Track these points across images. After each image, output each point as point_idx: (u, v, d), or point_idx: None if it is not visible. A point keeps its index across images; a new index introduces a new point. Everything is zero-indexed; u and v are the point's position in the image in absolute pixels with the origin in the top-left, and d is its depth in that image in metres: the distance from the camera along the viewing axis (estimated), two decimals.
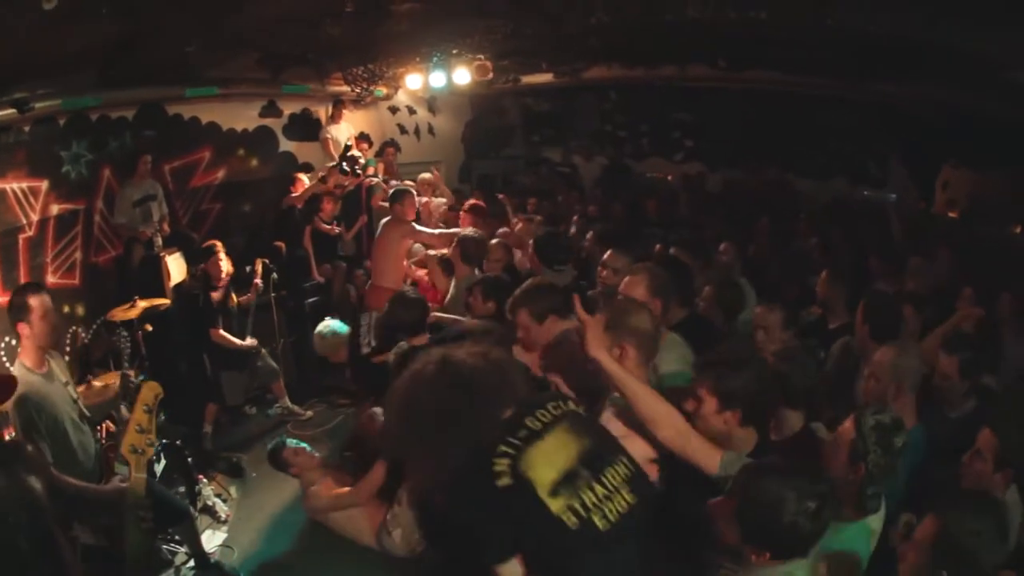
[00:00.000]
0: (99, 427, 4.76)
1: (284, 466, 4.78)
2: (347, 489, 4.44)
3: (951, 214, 6.16)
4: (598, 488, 2.31)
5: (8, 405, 3.63)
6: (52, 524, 2.69)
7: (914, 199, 6.85)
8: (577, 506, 2.25)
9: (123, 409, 4.89)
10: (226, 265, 6.60)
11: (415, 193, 7.42)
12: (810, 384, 3.27)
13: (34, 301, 3.82)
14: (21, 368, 3.84)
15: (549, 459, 2.30)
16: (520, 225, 6.91)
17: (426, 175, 9.57)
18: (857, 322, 4.10)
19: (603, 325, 2.82)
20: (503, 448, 2.29)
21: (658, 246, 6.13)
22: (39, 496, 2.66)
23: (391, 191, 7.31)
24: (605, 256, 4.67)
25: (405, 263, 6.97)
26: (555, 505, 2.24)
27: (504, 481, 2.25)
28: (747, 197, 8.76)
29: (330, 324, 6.76)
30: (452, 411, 2.33)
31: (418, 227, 6.84)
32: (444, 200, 8.90)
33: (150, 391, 2.94)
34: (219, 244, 6.69)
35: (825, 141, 7.93)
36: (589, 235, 6.68)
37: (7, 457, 2.72)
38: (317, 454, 4.94)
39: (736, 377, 2.76)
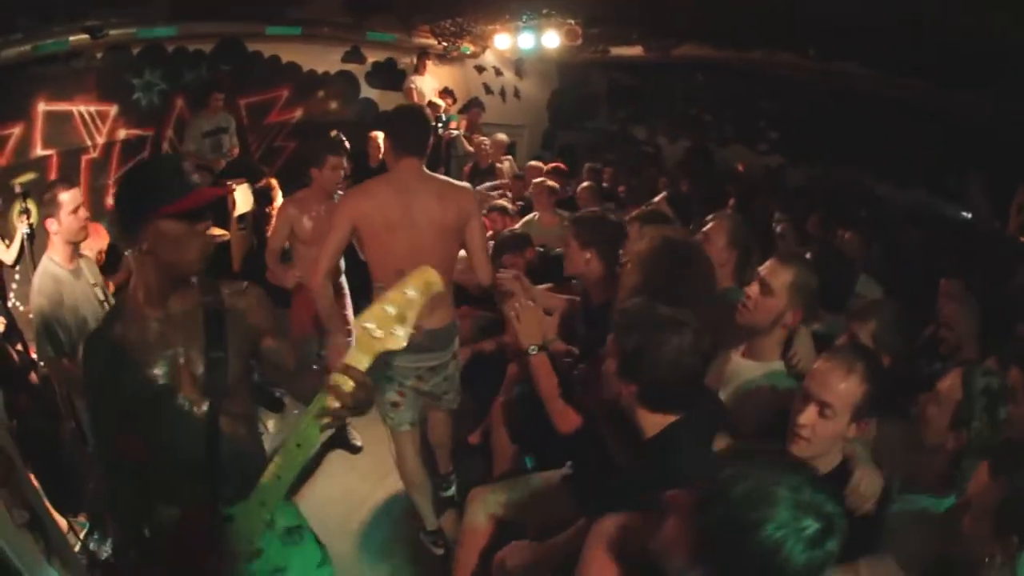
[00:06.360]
0: None
1: None
2: None
3: (1023, 239, 5.69)
4: None
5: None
6: None
7: (989, 218, 6.37)
8: None
9: None
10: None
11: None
12: None
13: (64, 196, 3.84)
14: (48, 262, 3.91)
15: None
16: None
17: (501, 136, 9.62)
18: None
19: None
20: None
21: None
22: None
23: None
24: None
25: None
26: None
27: None
28: (826, 195, 8.29)
29: None
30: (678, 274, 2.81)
31: None
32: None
33: (421, 276, 1.86)
34: (274, 182, 6.73)
35: (908, 147, 7.42)
36: None
37: None
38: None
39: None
